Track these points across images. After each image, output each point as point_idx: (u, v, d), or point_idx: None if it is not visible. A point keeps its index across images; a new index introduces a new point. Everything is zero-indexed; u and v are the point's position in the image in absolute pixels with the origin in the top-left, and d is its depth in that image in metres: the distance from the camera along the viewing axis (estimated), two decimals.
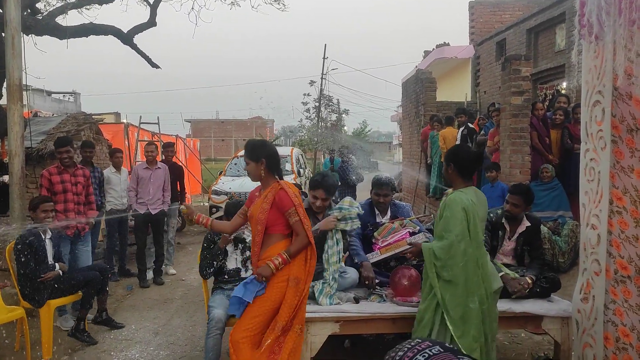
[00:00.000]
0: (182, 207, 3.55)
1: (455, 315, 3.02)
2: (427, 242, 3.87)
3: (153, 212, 6.68)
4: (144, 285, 6.58)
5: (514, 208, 3.96)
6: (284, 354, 3.05)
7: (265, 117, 56.69)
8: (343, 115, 35.53)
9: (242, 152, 13.30)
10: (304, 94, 30.51)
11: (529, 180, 6.63)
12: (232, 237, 4.09)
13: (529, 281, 3.71)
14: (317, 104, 29.06)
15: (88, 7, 9.96)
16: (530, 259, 4.02)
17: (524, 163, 6.76)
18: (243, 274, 4.12)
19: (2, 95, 6.98)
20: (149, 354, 4.47)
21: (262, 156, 3.16)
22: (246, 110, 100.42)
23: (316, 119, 28.91)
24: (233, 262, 4.16)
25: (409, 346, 1.68)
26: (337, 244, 3.69)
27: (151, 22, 10.86)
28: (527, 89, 6.92)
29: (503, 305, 3.52)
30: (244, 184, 10.38)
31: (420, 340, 1.71)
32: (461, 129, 9.13)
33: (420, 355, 1.59)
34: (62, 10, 9.22)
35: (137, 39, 10.94)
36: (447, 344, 1.71)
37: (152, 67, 11.61)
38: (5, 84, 5.88)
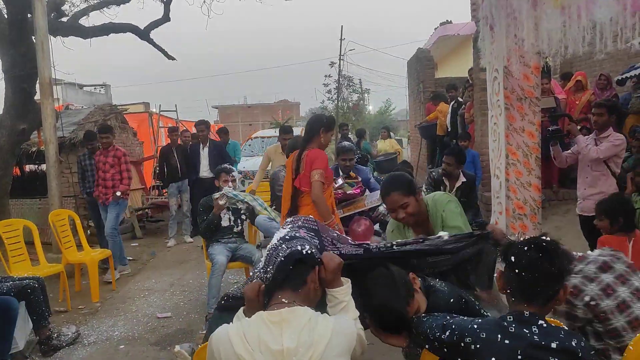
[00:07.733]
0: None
1: None
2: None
3: None
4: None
5: (448, 167, 4.79)
6: None
7: (291, 99, 57.60)
8: (365, 95, 36.10)
9: (256, 134, 14.41)
10: (325, 76, 31.24)
11: None
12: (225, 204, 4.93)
13: None
14: (337, 85, 29.76)
15: (108, 7, 10.98)
16: (465, 208, 4.82)
17: None
18: (235, 229, 5.06)
19: (37, 92, 8.07)
20: (165, 298, 5.50)
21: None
22: (272, 94, 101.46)
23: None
24: (226, 220, 5.06)
25: None
26: None
27: (165, 18, 11.82)
28: None
29: None
30: (256, 164, 11.36)
31: None
32: (452, 102, 9.84)
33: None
34: (84, 12, 10.20)
35: (157, 35, 11.95)
36: None
37: (169, 59, 12.59)
38: (37, 82, 6.95)
